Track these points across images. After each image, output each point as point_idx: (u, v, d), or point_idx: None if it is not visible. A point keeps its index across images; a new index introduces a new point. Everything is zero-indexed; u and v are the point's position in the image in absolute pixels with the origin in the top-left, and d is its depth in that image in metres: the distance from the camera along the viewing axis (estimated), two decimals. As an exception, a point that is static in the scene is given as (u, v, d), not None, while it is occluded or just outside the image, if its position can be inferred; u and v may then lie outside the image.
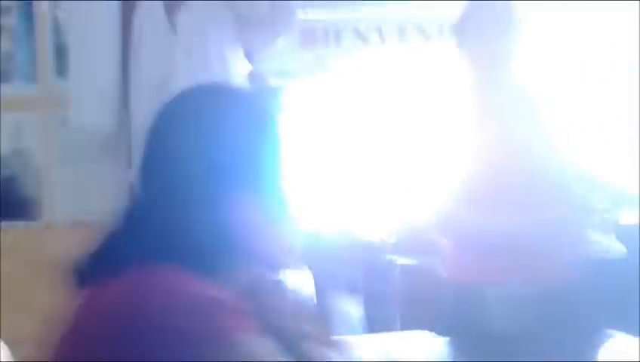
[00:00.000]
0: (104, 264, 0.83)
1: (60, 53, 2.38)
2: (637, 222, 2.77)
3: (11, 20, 2.43)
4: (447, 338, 1.75)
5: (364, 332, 5.47)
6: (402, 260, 3.93)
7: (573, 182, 1.79)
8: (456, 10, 2.01)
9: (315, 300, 1.30)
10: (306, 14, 5.67)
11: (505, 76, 1.88)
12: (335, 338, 1.04)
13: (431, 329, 1.87)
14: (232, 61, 2.08)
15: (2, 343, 1.54)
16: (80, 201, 2.38)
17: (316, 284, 1.45)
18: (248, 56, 2.26)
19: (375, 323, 5.34)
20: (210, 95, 0.93)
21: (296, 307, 0.99)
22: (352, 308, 6.80)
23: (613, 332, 1.58)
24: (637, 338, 1.56)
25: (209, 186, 0.84)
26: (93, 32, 2.19)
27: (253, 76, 2.28)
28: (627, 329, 1.59)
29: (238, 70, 2.10)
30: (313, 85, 5.68)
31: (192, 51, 2.00)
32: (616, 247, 1.49)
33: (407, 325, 3.84)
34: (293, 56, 5.72)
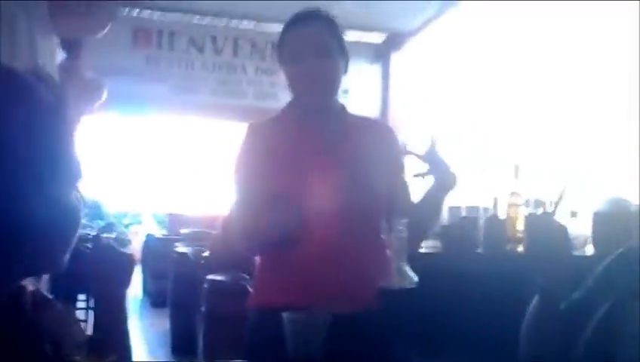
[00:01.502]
0: None
1: None
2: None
3: None
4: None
5: (170, 350, 5.33)
6: (212, 276, 3.83)
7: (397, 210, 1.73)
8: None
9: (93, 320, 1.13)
10: (140, 13, 5.52)
11: (326, 102, 1.84)
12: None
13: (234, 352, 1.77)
14: (44, 49, 1.87)
15: None
16: None
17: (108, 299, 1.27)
18: (65, 46, 2.08)
19: (180, 340, 5.22)
20: None
21: (65, 328, 0.87)
22: (157, 323, 6.54)
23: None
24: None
25: None
26: None
27: (64, 67, 2.09)
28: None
29: (50, 58, 1.89)
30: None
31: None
32: (411, 277, 1.47)
33: (212, 345, 3.76)
34: (123, 55, 5.55)
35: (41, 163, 0.78)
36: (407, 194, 1.88)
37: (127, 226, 12.60)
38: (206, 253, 4.68)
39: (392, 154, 1.89)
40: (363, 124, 1.96)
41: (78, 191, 0.87)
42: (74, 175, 0.85)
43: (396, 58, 5.95)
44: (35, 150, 0.78)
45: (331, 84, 1.84)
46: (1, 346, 0.68)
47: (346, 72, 1.87)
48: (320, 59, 1.79)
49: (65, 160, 0.83)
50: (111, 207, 13.05)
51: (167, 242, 7.15)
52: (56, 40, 2.03)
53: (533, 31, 4.97)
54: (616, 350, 1.26)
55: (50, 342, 0.81)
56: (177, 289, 5.25)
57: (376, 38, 5.96)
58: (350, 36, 1.90)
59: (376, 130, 1.96)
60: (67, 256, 0.86)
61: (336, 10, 1.88)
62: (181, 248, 5.59)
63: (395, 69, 5.96)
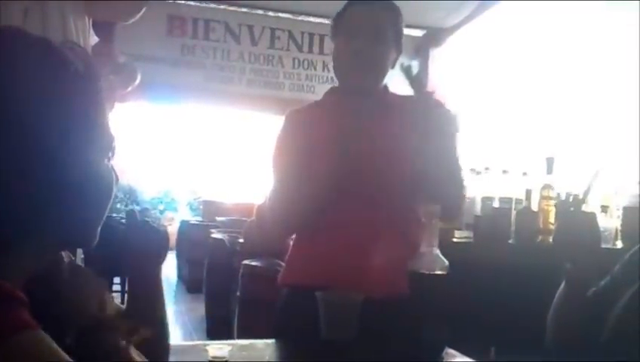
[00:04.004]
0: None
1: None
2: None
3: None
4: (275, 342, 1.69)
5: (205, 333, 5.43)
6: (247, 261, 3.90)
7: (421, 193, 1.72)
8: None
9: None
10: (176, 0, 5.51)
11: (369, 85, 1.84)
12: (146, 336, 0.95)
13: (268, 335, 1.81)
14: (76, 30, 1.92)
15: None
16: None
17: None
18: (97, 30, 2.12)
19: (215, 325, 5.31)
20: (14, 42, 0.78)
21: (97, 295, 0.88)
22: (193, 307, 6.65)
23: (447, 348, 1.58)
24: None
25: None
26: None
27: (96, 50, 2.14)
28: (457, 347, 1.61)
29: (82, 40, 1.94)
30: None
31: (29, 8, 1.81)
32: (443, 261, 1.50)
33: (248, 329, 3.82)
34: (158, 43, 5.56)
35: (69, 130, 0.77)
36: (448, 172, 1.75)
37: (162, 212, 12.83)
38: (241, 240, 4.76)
39: (437, 130, 1.74)
40: (406, 102, 1.85)
41: (110, 164, 0.86)
42: (105, 146, 0.84)
43: (435, 54, 5.92)
44: (64, 118, 0.77)
45: (378, 69, 1.82)
46: (38, 317, 0.67)
47: (393, 66, 1.86)
48: (374, 42, 1.77)
49: (95, 129, 0.82)
50: (146, 193, 13.32)
51: (202, 228, 7.26)
52: (88, 23, 2.05)
53: (571, 30, 4.94)
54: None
55: (85, 314, 0.83)
56: (213, 274, 5.34)
57: (416, 33, 5.93)
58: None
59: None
60: (98, 229, 0.85)
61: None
62: (217, 234, 5.68)
63: (433, 65, 5.93)
